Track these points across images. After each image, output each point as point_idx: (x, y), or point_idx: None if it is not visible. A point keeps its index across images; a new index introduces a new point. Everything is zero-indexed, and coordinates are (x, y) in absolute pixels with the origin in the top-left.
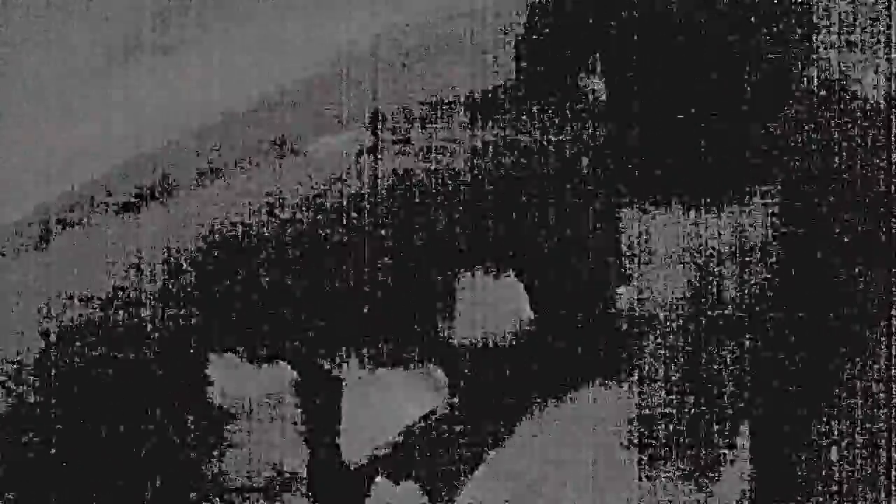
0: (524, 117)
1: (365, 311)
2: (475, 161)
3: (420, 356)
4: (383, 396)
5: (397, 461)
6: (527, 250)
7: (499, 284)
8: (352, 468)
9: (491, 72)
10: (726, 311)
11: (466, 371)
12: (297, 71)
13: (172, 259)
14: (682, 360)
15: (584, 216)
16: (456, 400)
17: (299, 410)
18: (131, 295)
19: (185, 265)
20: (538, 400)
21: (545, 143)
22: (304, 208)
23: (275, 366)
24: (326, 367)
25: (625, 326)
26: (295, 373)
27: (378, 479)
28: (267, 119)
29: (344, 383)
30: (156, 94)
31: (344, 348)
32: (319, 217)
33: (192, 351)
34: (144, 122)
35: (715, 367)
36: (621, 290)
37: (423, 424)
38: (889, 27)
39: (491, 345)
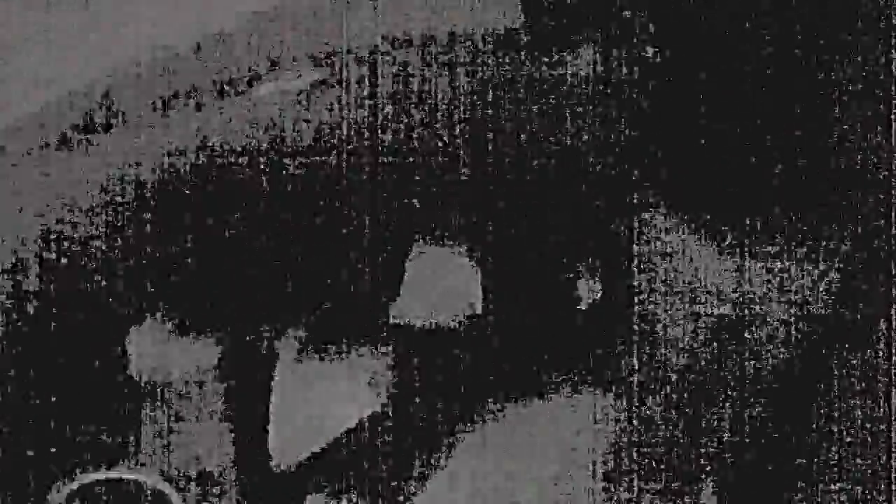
0: (504, 68)
1: (301, 280)
2: (439, 119)
3: (361, 338)
4: (317, 390)
5: (333, 470)
6: (485, 228)
7: (451, 263)
8: (283, 474)
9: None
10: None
11: (412, 360)
12: (242, 7)
13: (92, 212)
14: (676, 377)
15: (554, 197)
16: (398, 395)
17: (223, 397)
18: (48, 252)
19: (103, 218)
20: (496, 403)
21: (524, 101)
22: (243, 158)
23: (198, 339)
24: (257, 344)
25: (591, 327)
26: (219, 349)
27: (312, 494)
28: (210, 57)
29: (275, 370)
30: (92, 30)
31: (277, 324)
32: (260, 171)
33: (112, 316)
34: (79, 58)
35: (712, 395)
36: (582, 283)
37: (362, 427)
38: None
39: (438, 331)
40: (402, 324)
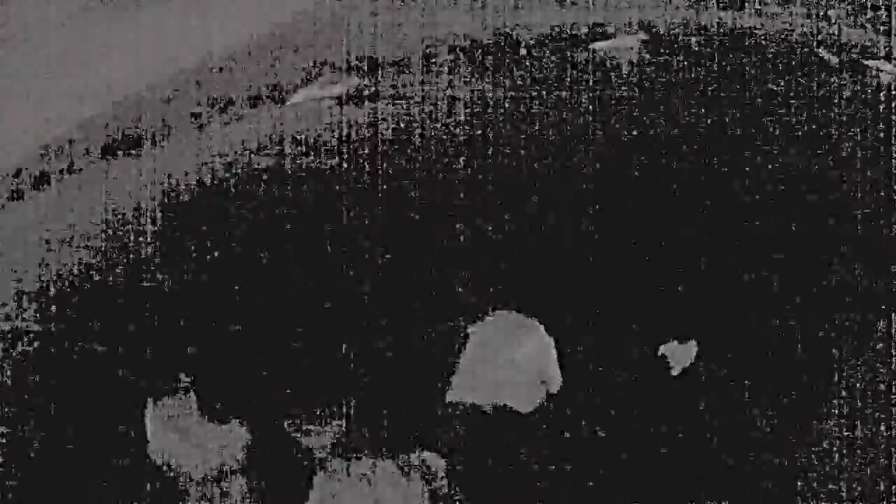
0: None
1: (342, 358)
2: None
3: (412, 427)
4: (361, 493)
5: None
6: (561, 287)
7: (519, 331)
8: None
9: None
10: None
11: (474, 452)
12: (278, 17)
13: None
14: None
15: (639, 239)
16: (460, 498)
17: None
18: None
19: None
20: None
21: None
22: (280, 186)
23: (224, 425)
24: (293, 435)
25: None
26: (248, 437)
27: None
28: (246, 67)
29: (311, 470)
30: (131, 42)
31: (312, 412)
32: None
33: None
34: (118, 71)
35: None
36: (668, 346)
37: None
38: None
39: (506, 415)
40: (461, 406)
